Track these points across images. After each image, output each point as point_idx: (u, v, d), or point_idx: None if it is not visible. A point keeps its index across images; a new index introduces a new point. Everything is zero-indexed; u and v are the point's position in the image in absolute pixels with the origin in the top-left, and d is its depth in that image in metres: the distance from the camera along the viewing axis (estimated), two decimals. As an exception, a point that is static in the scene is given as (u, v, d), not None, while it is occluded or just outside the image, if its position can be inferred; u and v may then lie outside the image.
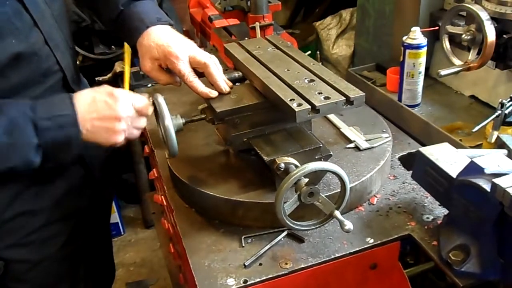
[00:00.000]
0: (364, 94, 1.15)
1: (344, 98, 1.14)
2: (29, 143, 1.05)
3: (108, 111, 1.10)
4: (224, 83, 1.28)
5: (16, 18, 1.12)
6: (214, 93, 1.26)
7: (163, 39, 1.27)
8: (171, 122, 1.16)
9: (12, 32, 1.11)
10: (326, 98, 1.14)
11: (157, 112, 1.20)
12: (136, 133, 1.18)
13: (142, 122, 1.18)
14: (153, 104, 1.20)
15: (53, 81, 1.25)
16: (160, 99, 1.18)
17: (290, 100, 1.14)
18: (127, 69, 1.23)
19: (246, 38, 1.74)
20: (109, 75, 2.27)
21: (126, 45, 1.31)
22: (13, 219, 1.24)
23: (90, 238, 1.51)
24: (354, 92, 1.15)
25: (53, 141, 1.07)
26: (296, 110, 1.10)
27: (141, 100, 1.16)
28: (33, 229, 1.28)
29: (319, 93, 1.16)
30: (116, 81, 2.21)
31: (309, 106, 1.11)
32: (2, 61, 1.10)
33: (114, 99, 1.11)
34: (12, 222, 1.24)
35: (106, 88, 1.14)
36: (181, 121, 1.22)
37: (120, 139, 1.13)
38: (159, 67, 1.29)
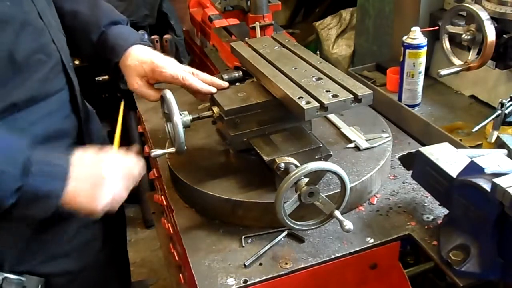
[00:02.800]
0: (372, 92, 1.15)
1: (352, 96, 1.14)
2: (14, 178, 0.94)
3: (94, 169, 1.05)
4: (218, 80, 1.30)
5: None
6: (213, 89, 1.28)
7: (146, 56, 1.28)
8: (179, 119, 1.16)
9: None
10: (335, 96, 1.14)
11: (165, 109, 1.20)
12: (124, 195, 1.11)
13: (131, 184, 1.11)
14: (162, 100, 1.21)
15: (53, 62, 1.21)
16: (169, 95, 1.19)
17: (299, 98, 1.14)
18: (118, 127, 1.19)
19: (246, 38, 1.74)
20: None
21: (122, 103, 1.28)
22: (46, 230, 1.19)
23: (120, 242, 1.50)
24: (362, 90, 1.15)
25: (33, 190, 0.97)
26: (305, 108, 1.11)
27: (131, 161, 1.11)
28: (68, 238, 1.24)
29: (327, 91, 1.16)
30: (116, 81, 2.21)
31: (318, 104, 1.12)
32: None
33: (100, 158, 1.07)
34: (45, 233, 1.19)
35: (95, 148, 1.09)
36: (189, 117, 1.23)
37: (100, 205, 1.04)
38: (147, 83, 1.29)
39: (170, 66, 1.26)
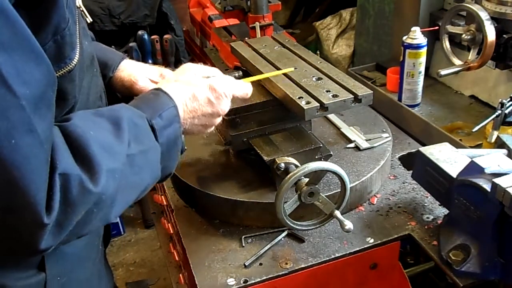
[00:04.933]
0: (372, 92, 1.15)
1: (352, 96, 1.14)
2: (156, 147, 0.86)
3: (210, 109, 0.99)
4: None
5: None
6: None
7: (147, 65, 1.24)
8: None
9: None
10: (335, 96, 1.15)
11: None
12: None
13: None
14: None
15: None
16: None
17: (299, 98, 1.15)
18: (264, 75, 1.20)
19: (246, 38, 1.74)
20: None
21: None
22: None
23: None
24: (362, 90, 1.16)
25: (167, 142, 0.89)
26: (305, 108, 1.11)
27: (244, 89, 1.08)
28: None
29: (327, 91, 1.17)
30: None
31: (318, 104, 1.12)
32: None
33: (218, 96, 1.00)
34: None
35: (207, 81, 1.01)
36: None
37: (210, 130, 1.05)
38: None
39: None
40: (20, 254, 0.79)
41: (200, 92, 0.98)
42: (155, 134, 0.86)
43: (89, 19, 1.00)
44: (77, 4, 0.89)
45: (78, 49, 0.81)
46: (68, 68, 0.79)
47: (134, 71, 1.21)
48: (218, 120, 1.04)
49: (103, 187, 0.74)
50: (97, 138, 0.76)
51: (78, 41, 0.81)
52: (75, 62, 0.80)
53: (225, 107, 1.02)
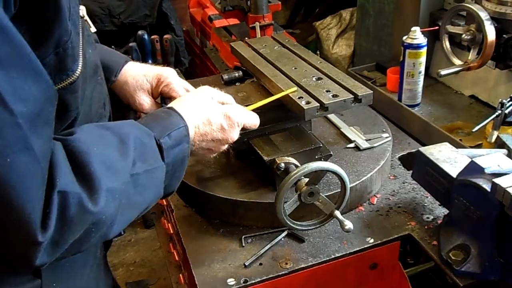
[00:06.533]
0: (372, 92, 1.16)
1: (352, 96, 1.15)
2: (161, 167, 0.85)
3: (221, 135, 1.00)
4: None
5: None
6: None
7: (146, 68, 1.20)
8: None
9: None
10: (335, 96, 1.15)
11: None
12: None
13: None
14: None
15: (107, 119, 1.07)
16: None
17: (299, 98, 1.15)
18: (273, 98, 1.19)
19: (246, 38, 1.74)
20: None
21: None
22: None
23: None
24: (362, 90, 1.16)
25: (174, 162, 0.88)
26: (305, 107, 1.11)
27: (254, 120, 1.09)
28: None
29: (327, 91, 1.17)
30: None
31: (318, 104, 1.13)
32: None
33: (231, 124, 1.01)
34: None
35: (223, 108, 1.02)
36: None
37: (213, 156, 1.06)
38: (155, 101, 1.20)
39: (177, 79, 1.19)
40: (15, 269, 0.78)
41: (215, 117, 0.99)
42: (162, 153, 0.85)
43: (93, 29, 0.99)
44: (81, 14, 0.88)
45: (81, 61, 0.80)
46: (70, 80, 0.78)
47: (137, 92, 1.18)
48: (225, 147, 1.04)
49: (103, 207, 0.73)
50: (100, 155, 0.75)
51: (81, 52, 0.81)
52: (77, 74, 0.79)
53: (235, 135, 1.03)
